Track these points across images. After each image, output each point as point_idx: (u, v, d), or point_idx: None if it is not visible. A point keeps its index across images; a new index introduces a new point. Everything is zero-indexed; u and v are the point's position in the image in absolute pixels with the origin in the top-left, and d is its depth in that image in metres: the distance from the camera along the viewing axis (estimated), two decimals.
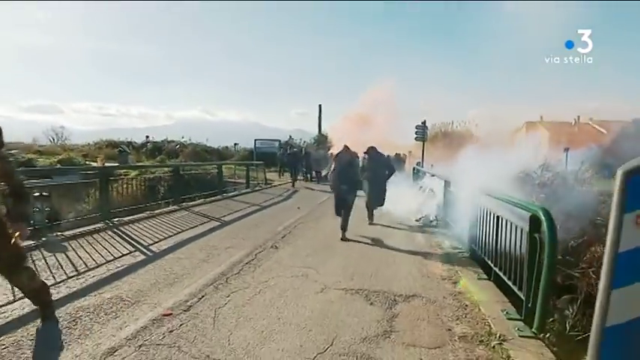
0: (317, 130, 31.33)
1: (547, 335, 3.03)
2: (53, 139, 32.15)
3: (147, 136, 30.79)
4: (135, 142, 29.62)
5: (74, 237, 5.70)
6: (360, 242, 6.15)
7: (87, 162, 19.23)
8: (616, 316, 2.00)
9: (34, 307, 3.13)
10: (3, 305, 3.37)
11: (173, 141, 29.73)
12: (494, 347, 2.87)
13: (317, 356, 2.71)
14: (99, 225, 6.46)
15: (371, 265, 4.96)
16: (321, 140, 29.18)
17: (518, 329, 3.11)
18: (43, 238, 5.38)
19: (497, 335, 3.01)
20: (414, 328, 3.20)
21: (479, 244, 4.97)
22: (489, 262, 4.45)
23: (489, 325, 3.20)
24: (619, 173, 1.98)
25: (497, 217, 4.19)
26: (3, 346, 2.71)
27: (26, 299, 3.16)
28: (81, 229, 6.09)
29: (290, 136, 30.27)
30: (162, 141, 30.11)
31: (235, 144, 31.26)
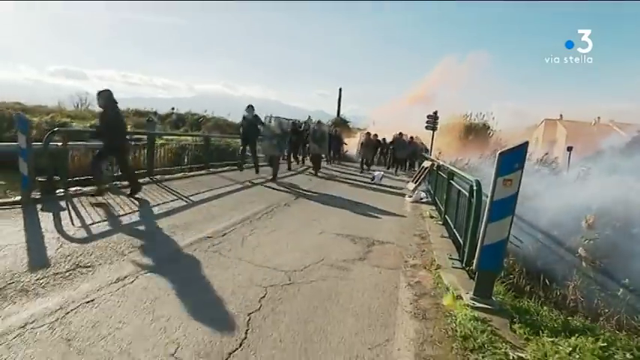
0: (336, 112, 32.68)
1: (471, 267, 4.34)
2: (77, 105, 33.52)
3: (172, 108, 32.40)
4: (159, 113, 31.21)
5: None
6: (357, 207, 7.50)
7: None
8: (490, 239, 3.33)
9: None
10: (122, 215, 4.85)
11: (196, 114, 31.29)
12: (431, 271, 4.23)
13: (311, 265, 4.10)
14: (145, 179, 7.93)
15: (362, 222, 6.32)
16: (338, 122, 30.41)
17: (453, 263, 4.45)
18: (107, 185, 6.85)
19: (437, 265, 4.37)
20: (381, 258, 4.57)
21: (448, 212, 6.30)
22: (450, 223, 5.77)
23: (434, 260, 4.55)
24: (497, 154, 3.29)
25: (458, 190, 5.49)
26: (119, 243, 4.17)
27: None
28: None
29: (309, 117, 31.58)
30: (185, 113, 31.69)
31: None
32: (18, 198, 5.50)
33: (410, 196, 9.39)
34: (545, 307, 3.93)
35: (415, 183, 10.80)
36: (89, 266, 3.53)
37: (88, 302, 2.88)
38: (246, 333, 2.68)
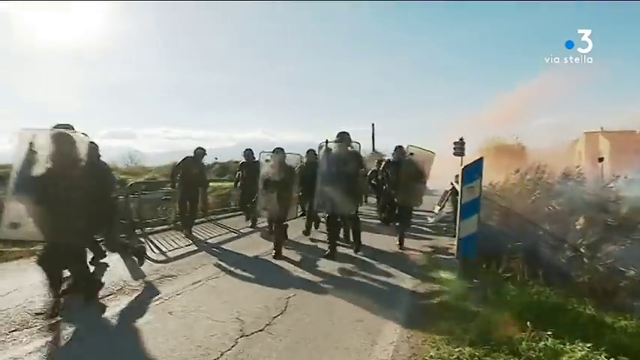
0: (371, 147, 34.08)
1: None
2: (128, 163, 36.55)
3: (215, 158, 34.97)
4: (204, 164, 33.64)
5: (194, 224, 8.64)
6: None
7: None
8: (463, 232, 4.42)
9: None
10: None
11: (238, 161, 33.52)
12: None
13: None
14: (203, 219, 9.41)
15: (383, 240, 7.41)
16: (373, 158, 31.58)
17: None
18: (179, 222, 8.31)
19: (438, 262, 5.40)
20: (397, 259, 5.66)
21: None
22: None
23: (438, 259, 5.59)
24: (461, 168, 4.41)
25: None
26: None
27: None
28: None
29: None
30: (227, 162, 34.07)
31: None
32: None
33: (432, 217, 10.35)
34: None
35: (439, 205, 11.74)
36: (173, 276, 4.89)
37: (177, 295, 4.21)
38: (286, 306, 3.88)
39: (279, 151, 6.19)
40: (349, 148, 5.52)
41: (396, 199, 6.65)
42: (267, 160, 6.15)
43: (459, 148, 21.80)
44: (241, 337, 3.21)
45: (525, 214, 9.94)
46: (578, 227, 7.38)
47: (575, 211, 10.82)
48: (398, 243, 6.60)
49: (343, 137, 5.50)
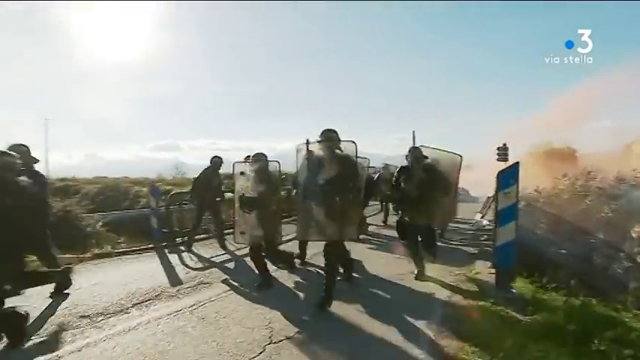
0: None
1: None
2: (174, 174, 37.56)
3: None
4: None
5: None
6: None
7: None
8: (500, 240, 4.24)
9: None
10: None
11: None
12: (470, 272, 5.08)
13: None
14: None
15: None
16: None
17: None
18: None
19: (476, 270, 5.20)
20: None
21: None
22: None
23: (475, 267, 5.38)
24: (498, 173, 4.26)
25: None
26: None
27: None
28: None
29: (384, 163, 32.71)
30: None
31: None
32: (151, 245, 7.37)
33: (471, 225, 10.03)
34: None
35: (481, 213, 11.36)
36: (209, 283, 5.02)
37: (211, 301, 4.30)
38: (316, 313, 3.87)
39: (259, 156, 4.93)
40: (337, 151, 3.96)
41: (406, 218, 5.07)
42: (241, 173, 4.85)
43: (503, 153, 21.07)
44: (269, 343, 3.23)
45: (576, 222, 9.42)
46: (634, 235, 6.89)
47: (631, 217, 10.10)
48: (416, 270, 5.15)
49: (328, 136, 3.99)
